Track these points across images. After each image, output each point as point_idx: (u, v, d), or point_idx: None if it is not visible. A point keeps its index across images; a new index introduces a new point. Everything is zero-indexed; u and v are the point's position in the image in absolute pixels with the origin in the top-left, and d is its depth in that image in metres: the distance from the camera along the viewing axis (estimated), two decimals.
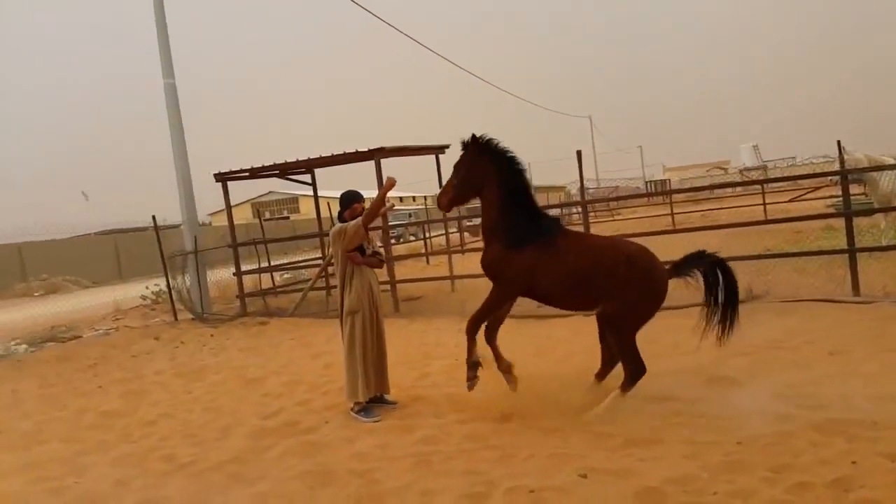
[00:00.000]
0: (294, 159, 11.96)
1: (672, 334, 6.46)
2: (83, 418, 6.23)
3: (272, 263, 14.01)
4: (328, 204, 14.17)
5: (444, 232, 19.03)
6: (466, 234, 25.31)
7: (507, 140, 4.87)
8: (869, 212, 10.84)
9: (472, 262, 15.64)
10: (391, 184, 5.28)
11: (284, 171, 12.97)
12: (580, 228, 10.36)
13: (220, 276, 13.40)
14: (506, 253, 4.84)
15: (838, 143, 9.25)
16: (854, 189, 11.59)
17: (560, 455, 4.12)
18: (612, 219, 23.73)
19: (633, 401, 4.77)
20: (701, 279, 4.87)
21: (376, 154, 10.84)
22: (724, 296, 4.80)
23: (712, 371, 5.42)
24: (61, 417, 6.34)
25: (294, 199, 55.21)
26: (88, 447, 5.38)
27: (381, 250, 5.92)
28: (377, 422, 5.21)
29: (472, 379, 5.02)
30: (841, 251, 8.44)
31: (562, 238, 4.86)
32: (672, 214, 21.19)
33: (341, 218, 5.60)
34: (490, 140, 4.85)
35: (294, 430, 5.23)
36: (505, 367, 5.11)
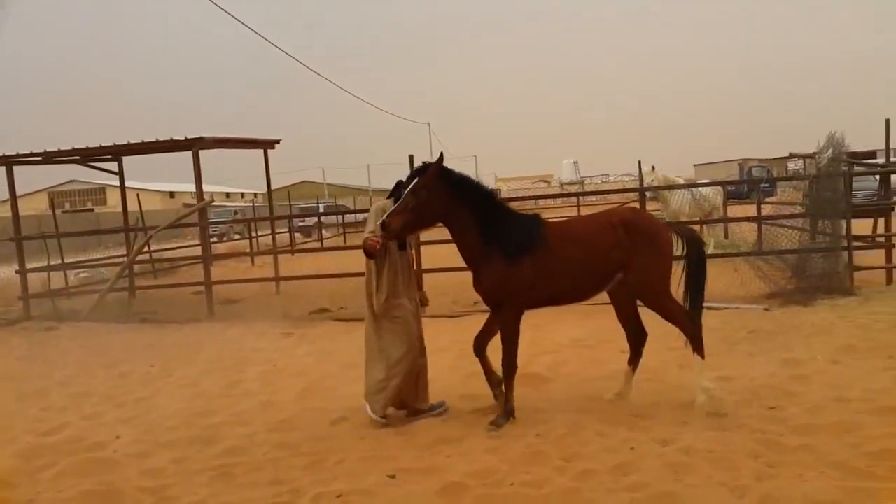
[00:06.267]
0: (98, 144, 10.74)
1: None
2: None
3: (67, 261, 12.39)
4: (137, 195, 12.90)
5: (270, 232, 18.18)
6: (298, 234, 24.58)
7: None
8: None
9: (300, 264, 15.28)
10: None
11: (86, 157, 11.62)
12: None
13: (1, 273, 11.54)
14: (506, 271, 4.44)
15: (639, 162, 10.43)
16: (653, 205, 13.13)
17: (372, 458, 4.09)
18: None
19: (445, 400, 4.90)
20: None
21: (195, 143, 10.07)
22: (686, 266, 4.79)
23: (521, 368, 5.70)
24: None
25: (101, 190, 49.50)
26: None
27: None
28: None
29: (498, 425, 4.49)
30: None
31: (550, 233, 4.58)
32: None
33: None
34: (451, 170, 4.54)
35: (77, 446, 4.66)
36: (495, 382, 4.74)
